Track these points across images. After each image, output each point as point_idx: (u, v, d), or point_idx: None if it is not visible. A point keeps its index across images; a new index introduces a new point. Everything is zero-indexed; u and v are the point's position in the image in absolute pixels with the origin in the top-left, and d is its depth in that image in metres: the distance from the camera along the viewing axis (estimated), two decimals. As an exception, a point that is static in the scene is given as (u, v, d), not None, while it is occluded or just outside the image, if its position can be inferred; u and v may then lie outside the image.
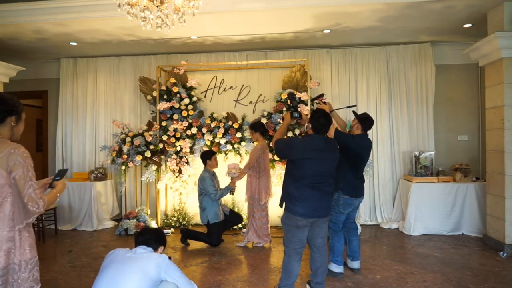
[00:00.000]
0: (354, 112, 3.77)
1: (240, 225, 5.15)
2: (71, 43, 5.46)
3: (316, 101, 3.78)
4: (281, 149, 2.89)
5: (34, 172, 1.74)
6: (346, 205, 3.48)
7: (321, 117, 2.81)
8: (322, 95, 3.75)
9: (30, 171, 1.70)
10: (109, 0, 4.02)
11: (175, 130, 5.35)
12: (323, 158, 2.76)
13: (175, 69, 5.53)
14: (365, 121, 3.55)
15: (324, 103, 3.67)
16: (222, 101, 5.75)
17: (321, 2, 4.16)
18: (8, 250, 1.68)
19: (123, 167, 5.34)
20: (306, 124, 2.95)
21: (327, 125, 2.83)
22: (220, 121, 5.37)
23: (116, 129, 5.67)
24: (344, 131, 3.70)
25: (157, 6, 2.66)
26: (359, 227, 4.86)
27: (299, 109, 3.26)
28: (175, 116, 5.38)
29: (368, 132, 3.60)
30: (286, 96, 5.15)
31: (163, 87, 5.53)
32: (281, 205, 2.94)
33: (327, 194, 2.81)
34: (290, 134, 5.06)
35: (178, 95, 5.42)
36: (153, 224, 5.32)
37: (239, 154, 5.35)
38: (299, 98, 5.12)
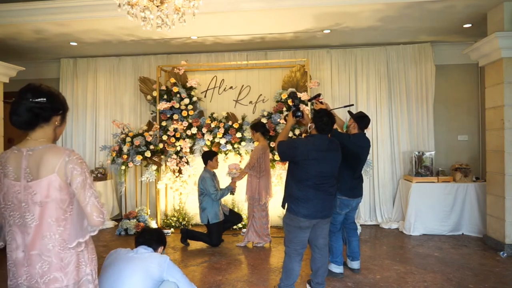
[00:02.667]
0: (349, 111, 3.75)
1: (240, 225, 5.16)
2: (71, 43, 5.46)
3: (313, 101, 3.77)
4: (284, 151, 2.86)
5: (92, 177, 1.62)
6: (343, 206, 3.46)
7: (324, 117, 2.80)
8: (319, 95, 3.74)
9: (88, 178, 1.55)
10: (109, 0, 4.02)
11: (175, 130, 5.35)
12: (326, 159, 2.74)
13: (175, 69, 5.53)
14: (361, 119, 3.53)
15: (321, 103, 3.66)
16: (222, 101, 5.75)
17: (321, 2, 4.16)
18: (79, 263, 1.57)
19: (123, 167, 5.34)
20: (309, 124, 2.94)
21: (330, 124, 2.81)
22: (220, 121, 5.37)
23: (116, 129, 5.66)
24: (341, 131, 3.69)
25: (157, 6, 2.66)
26: (359, 227, 4.87)
27: (301, 108, 3.25)
28: (175, 116, 5.38)
29: (368, 131, 3.59)
30: (287, 95, 5.15)
31: (163, 87, 5.52)
32: (283, 206, 2.93)
33: (330, 195, 2.81)
34: (290, 134, 5.06)
35: (178, 95, 5.41)
36: (153, 224, 5.32)
37: (239, 154, 5.35)
38: (300, 98, 5.12)
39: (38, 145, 1.53)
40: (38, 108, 1.52)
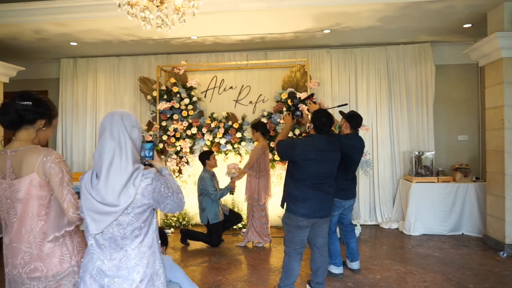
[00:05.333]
0: (340, 111, 3.73)
1: (240, 225, 5.16)
2: (71, 43, 5.46)
3: (306, 101, 3.75)
4: (283, 151, 2.88)
5: (71, 176, 1.70)
6: (335, 207, 3.38)
7: (323, 117, 2.80)
8: (312, 95, 3.73)
9: (66, 176, 1.66)
10: (109, 0, 4.02)
11: (175, 130, 5.35)
12: (324, 159, 2.75)
13: (175, 69, 5.53)
14: (353, 118, 3.51)
15: (314, 102, 3.65)
16: (222, 101, 5.75)
17: (321, 2, 4.16)
18: (62, 255, 1.67)
19: (123, 167, 5.34)
20: (308, 124, 2.95)
21: (328, 125, 2.82)
22: (220, 121, 5.37)
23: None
24: (335, 131, 3.67)
25: (157, 6, 2.66)
26: (359, 227, 4.87)
27: (300, 108, 3.25)
28: (175, 116, 5.38)
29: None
30: (288, 94, 5.13)
31: (163, 87, 5.52)
32: (282, 205, 2.94)
33: (328, 195, 2.81)
34: (289, 134, 5.06)
35: (178, 95, 5.42)
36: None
37: (239, 154, 5.35)
38: (299, 98, 5.11)
39: (20, 147, 1.67)
40: (23, 110, 1.66)
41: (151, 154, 1.61)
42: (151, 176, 1.46)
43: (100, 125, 1.52)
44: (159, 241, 1.58)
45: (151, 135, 5.39)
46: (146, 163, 1.62)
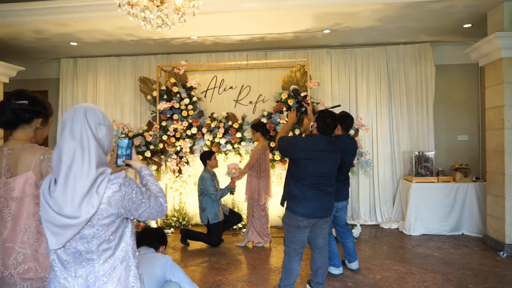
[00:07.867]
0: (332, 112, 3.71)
1: (240, 225, 5.16)
2: (71, 43, 5.46)
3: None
4: (284, 147, 2.89)
5: None
6: None
7: (328, 118, 2.79)
8: (305, 96, 3.73)
9: None
10: (109, 0, 4.03)
11: (175, 130, 5.35)
12: (324, 159, 2.75)
13: (175, 69, 5.53)
14: (344, 119, 3.50)
15: (308, 104, 3.65)
16: (222, 101, 5.75)
17: (321, 2, 4.16)
18: None
19: (123, 167, 5.33)
20: (311, 123, 2.94)
21: (332, 126, 2.81)
22: (220, 121, 5.37)
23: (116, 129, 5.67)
24: None
25: (157, 6, 2.66)
26: (359, 227, 4.87)
27: (304, 105, 3.24)
28: (175, 116, 5.38)
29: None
30: (292, 91, 5.10)
31: (163, 87, 5.53)
32: (282, 204, 2.94)
33: (328, 195, 2.81)
34: (290, 133, 5.05)
35: (178, 95, 5.41)
36: (153, 224, 5.32)
37: (239, 154, 5.35)
38: (304, 96, 5.10)
39: (17, 145, 1.65)
40: (19, 109, 1.64)
41: (128, 152, 1.44)
42: (119, 181, 1.27)
43: (61, 122, 1.36)
44: (136, 253, 1.40)
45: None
46: (123, 163, 1.45)
